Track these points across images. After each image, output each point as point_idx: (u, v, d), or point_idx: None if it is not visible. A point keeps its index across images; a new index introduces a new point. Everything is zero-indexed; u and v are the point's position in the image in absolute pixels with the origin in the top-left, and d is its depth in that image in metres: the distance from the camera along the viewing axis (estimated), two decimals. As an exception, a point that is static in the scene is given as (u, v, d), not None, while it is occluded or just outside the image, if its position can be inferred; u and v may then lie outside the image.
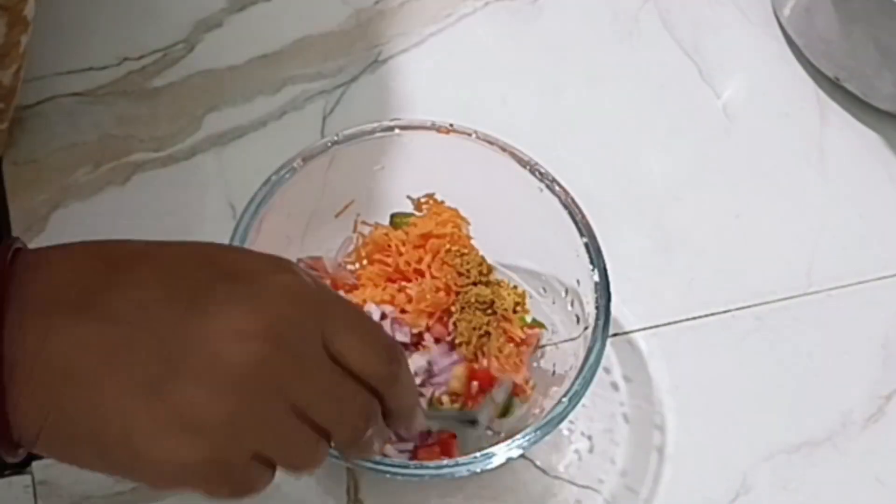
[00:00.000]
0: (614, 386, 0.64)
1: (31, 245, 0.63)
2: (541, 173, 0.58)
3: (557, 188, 0.58)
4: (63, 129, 0.68)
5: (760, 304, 0.68)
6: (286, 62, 0.73)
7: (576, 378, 0.53)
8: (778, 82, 0.78)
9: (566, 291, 0.59)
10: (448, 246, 0.59)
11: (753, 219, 0.71)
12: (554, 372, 0.59)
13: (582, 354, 0.54)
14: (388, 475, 0.51)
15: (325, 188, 0.60)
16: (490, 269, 0.60)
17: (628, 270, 0.64)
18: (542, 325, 0.60)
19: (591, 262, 0.56)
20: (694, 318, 0.67)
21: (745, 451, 0.63)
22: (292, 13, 0.75)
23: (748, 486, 0.62)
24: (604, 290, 0.55)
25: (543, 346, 0.60)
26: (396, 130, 0.59)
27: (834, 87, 0.77)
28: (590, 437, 0.62)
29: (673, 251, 0.69)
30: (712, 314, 0.67)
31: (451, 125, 0.59)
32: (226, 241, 0.54)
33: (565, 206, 0.57)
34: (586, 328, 0.55)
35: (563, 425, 0.54)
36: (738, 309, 0.67)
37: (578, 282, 0.57)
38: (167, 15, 0.74)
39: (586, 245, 0.56)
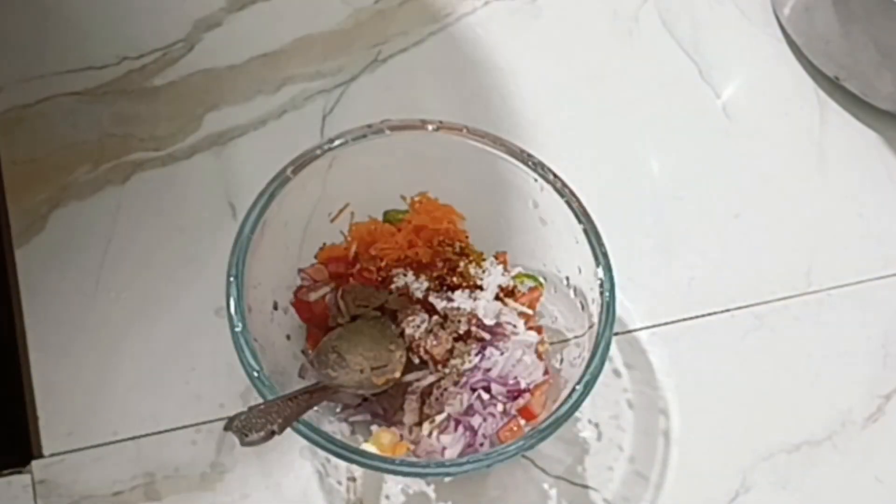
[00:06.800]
0: (617, 380, 0.64)
1: (31, 245, 0.64)
2: (534, 163, 0.58)
3: (552, 177, 0.57)
4: (63, 129, 0.68)
5: (760, 303, 0.68)
6: (286, 62, 0.73)
7: (579, 380, 0.53)
8: (778, 82, 0.78)
9: (567, 280, 0.59)
10: (442, 238, 0.59)
11: (753, 219, 0.71)
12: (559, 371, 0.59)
13: (586, 356, 0.54)
14: (388, 474, 0.51)
15: (320, 193, 0.60)
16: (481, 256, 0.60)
17: (628, 270, 0.64)
18: (539, 284, 0.61)
19: (591, 248, 0.56)
20: (694, 318, 0.67)
21: (745, 450, 0.63)
22: (292, 13, 0.75)
23: (748, 485, 0.62)
24: (609, 281, 0.55)
25: (550, 344, 0.60)
26: (387, 131, 0.58)
27: (834, 87, 0.77)
28: (597, 425, 0.62)
29: (673, 251, 0.69)
30: (712, 313, 0.67)
31: (441, 122, 0.59)
32: (225, 243, 0.54)
33: (561, 195, 0.57)
34: (591, 326, 0.55)
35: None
36: (737, 308, 0.67)
37: (580, 269, 0.57)
38: (167, 14, 0.74)
39: (585, 232, 0.56)
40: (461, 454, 0.56)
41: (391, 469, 0.51)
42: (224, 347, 0.52)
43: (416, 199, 0.61)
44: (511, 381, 0.58)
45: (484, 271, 0.60)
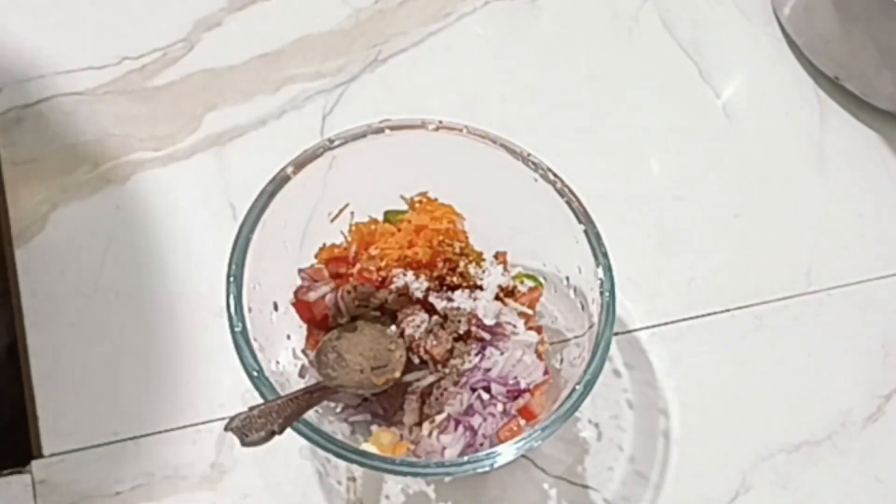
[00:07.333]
0: (617, 380, 0.64)
1: (31, 245, 0.64)
2: (534, 164, 0.58)
3: (552, 177, 0.57)
4: (63, 129, 0.68)
5: (760, 303, 0.68)
6: (286, 61, 0.73)
7: (579, 380, 0.53)
8: (778, 82, 0.78)
9: (567, 280, 0.59)
10: (442, 238, 0.59)
11: (753, 219, 0.71)
12: (559, 371, 0.59)
13: (586, 356, 0.54)
14: (388, 474, 0.51)
15: (320, 193, 0.60)
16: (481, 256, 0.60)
17: (628, 270, 0.64)
18: (539, 284, 0.61)
19: (591, 248, 0.56)
20: (694, 318, 0.67)
21: (745, 450, 0.63)
22: (292, 12, 0.75)
23: (748, 485, 0.62)
24: (609, 281, 0.55)
25: (550, 344, 0.60)
26: (387, 131, 0.58)
27: (834, 87, 0.77)
28: (597, 425, 0.62)
29: (673, 251, 0.69)
30: (712, 313, 0.67)
31: (441, 122, 0.59)
32: (225, 243, 0.54)
33: (561, 195, 0.57)
34: (591, 326, 0.55)
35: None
36: (737, 308, 0.67)
37: (580, 269, 0.57)
38: (167, 14, 0.74)
39: (585, 232, 0.56)
40: (461, 454, 0.56)
41: (391, 469, 0.51)
42: (224, 347, 0.52)
43: (416, 199, 0.61)
44: (511, 381, 0.58)
45: (484, 271, 0.60)
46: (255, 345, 0.52)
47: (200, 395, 0.61)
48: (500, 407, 0.57)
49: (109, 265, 0.64)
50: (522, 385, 0.58)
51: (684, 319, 0.67)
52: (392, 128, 0.58)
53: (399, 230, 0.60)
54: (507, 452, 0.51)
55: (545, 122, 0.73)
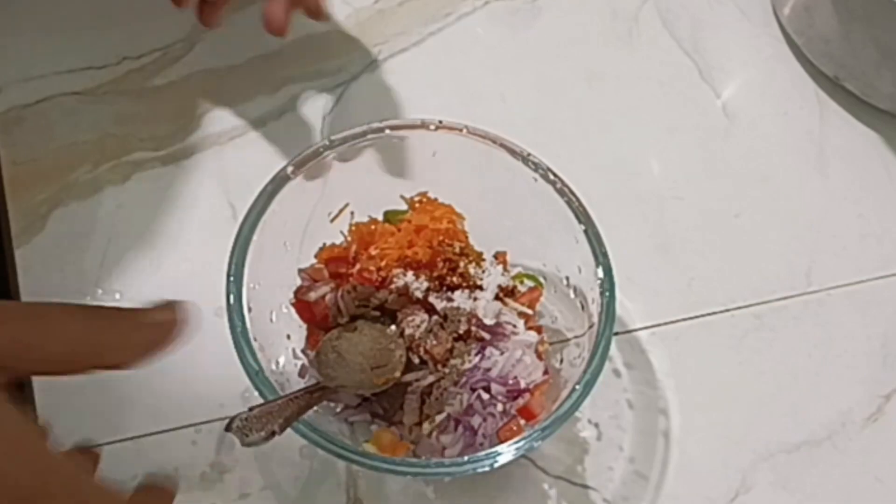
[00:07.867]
0: (617, 380, 0.64)
1: (30, 245, 0.64)
2: (534, 163, 0.58)
3: (552, 177, 0.58)
4: (63, 129, 0.68)
5: (760, 303, 0.68)
6: (286, 61, 0.73)
7: (579, 380, 0.53)
8: (778, 82, 0.78)
9: (567, 280, 0.59)
10: (442, 238, 0.59)
11: (753, 218, 0.71)
12: (559, 371, 0.59)
13: (586, 356, 0.54)
14: (388, 474, 0.51)
15: (320, 193, 0.60)
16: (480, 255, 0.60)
17: (628, 270, 0.64)
18: (539, 284, 0.61)
19: (591, 248, 0.56)
20: (694, 318, 0.67)
21: (745, 450, 0.63)
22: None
23: (748, 485, 0.62)
24: (608, 282, 0.55)
25: (550, 344, 0.60)
26: (387, 131, 0.58)
27: (834, 87, 0.77)
28: (597, 425, 0.62)
29: (673, 251, 0.69)
30: (712, 313, 0.67)
31: (441, 122, 0.59)
32: (225, 243, 0.54)
33: (561, 195, 0.57)
34: (591, 326, 0.55)
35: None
36: (737, 308, 0.67)
37: (580, 269, 0.57)
38: (167, 14, 0.73)
39: (585, 232, 0.56)
40: (461, 454, 0.56)
41: (391, 469, 0.51)
42: (224, 347, 0.52)
43: (416, 199, 0.61)
44: (511, 381, 0.58)
45: (484, 271, 0.60)
46: (255, 345, 0.52)
47: (200, 395, 0.61)
48: (500, 407, 0.57)
49: (109, 265, 0.64)
50: (522, 385, 0.58)
51: (684, 319, 0.67)
52: (392, 128, 0.58)
53: (399, 230, 0.60)
54: (507, 452, 0.51)
55: (545, 122, 0.73)
